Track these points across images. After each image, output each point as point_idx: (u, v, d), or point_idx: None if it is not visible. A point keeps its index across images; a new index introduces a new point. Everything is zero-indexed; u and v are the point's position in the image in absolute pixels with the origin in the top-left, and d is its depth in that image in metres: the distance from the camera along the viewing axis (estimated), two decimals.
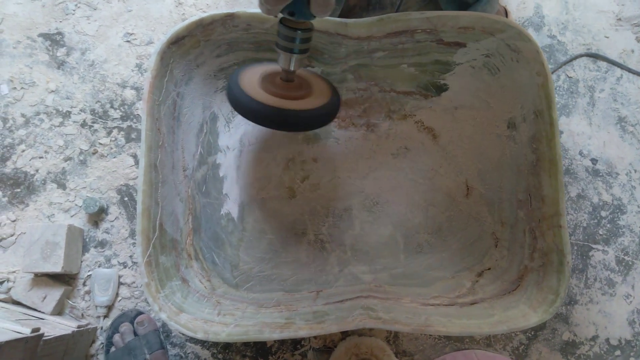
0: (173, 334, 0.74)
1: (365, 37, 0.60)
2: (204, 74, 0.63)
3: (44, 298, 0.72)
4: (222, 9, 0.87)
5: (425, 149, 0.71)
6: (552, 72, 0.86)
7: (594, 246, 0.80)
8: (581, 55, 0.86)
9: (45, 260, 0.71)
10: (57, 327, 0.67)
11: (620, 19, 0.88)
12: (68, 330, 0.66)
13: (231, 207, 0.68)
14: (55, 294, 0.73)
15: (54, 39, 0.83)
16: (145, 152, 0.54)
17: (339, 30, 0.59)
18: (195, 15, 0.86)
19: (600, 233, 0.81)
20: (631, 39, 0.87)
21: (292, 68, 0.54)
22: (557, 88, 0.86)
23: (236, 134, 0.69)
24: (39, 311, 0.72)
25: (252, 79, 0.59)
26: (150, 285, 0.52)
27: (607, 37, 0.88)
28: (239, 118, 0.69)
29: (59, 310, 0.74)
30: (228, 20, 0.57)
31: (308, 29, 0.50)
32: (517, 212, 0.64)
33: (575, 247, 0.80)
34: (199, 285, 0.59)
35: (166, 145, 0.57)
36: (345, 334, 0.75)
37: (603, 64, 0.87)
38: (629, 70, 0.86)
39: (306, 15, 0.48)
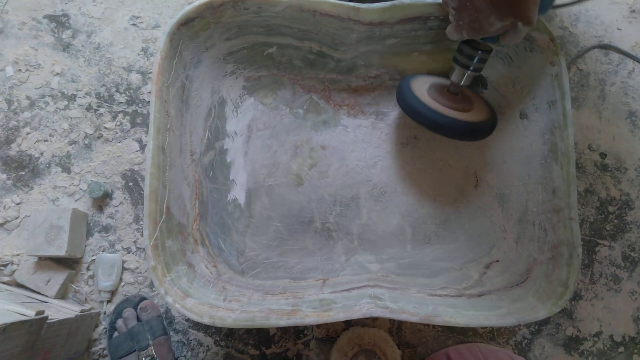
0: (176, 320, 0.74)
1: (377, 23, 0.59)
2: (213, 57, 0.62)
3: (48, 281, 0.72)
4: None
5: (435, 139, 0.70)
6: (567, 66, 0.85)
7: (600, 241, 0.80)
8: (594, 47, 0.85)
9: (50, 244, 0.70)
10: (60, 310, 0.67)
11: (634, 11, 0.87)
12: (71, 314, 0.66)
13: (238, 193, 0.67)
14: (59, 277, 0.72)
15: (59, 21, 0.82)
16: (154, 135, 0.53)
17: (351, 15, 0.58)
18: None
19: (607, 228, 0.80)
20: None
21: (462, 83, 0.59)
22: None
23: (244, 119, 0.68)
24: (43, 294, 0.71)
25: (421, 89, 0.65)
26: (156, 269, 0.52)
27: (620, 30, 0.86)
28: (247, 103, 0.68)
29: (62, 294, 0.73)
30: (239, 2, 0.56)
31: (488, 50, 0.54)
32: (527, 204, 0.63)
33: (582, 243, 0.79)
34: (204, 271, 0.59)
35: (174, 129, 0.56)
36: (348, 324, 0.75)
37: (615, 57, 0.86)
38: None
39: (493, 40, 0.52)
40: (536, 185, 0.61)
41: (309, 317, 0.52)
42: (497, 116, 0.67)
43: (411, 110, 0.65)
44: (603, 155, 0.82)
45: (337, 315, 0.52)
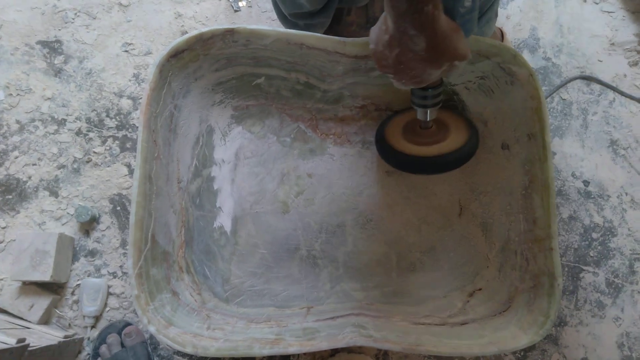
0: (161, 346, 0.73)
1: (363, 56, 0.60)
2: (201, 87, 0.64)
3: (31, 307, 0.71)
4: (222, 21, 0.88)
5: None
6: (548, 95, 0.87)
7: (584, 268, 0.81)
8: (576, 78, 0.88)
9: (34, 269, 0.70)
10: (43, 337, 0.66)
11: (613, 44, 0.90)
12: (54, 341, 0.65)
13: (224, 220, 0.68)
14: (42, 302, 0.72)
15: (52, 47, 0.83)
16: (141, 164, 0.54)
17: (337, 48, 0.59)
18: (194, 28, 0.87)
19: (591, 255, 0.81)
20: (624, 63, 0.89)
21: (428, 119, 0.60)
22: (551, 110, 0.87)
23: (232, 147, 0.69)
24: (25, 320, 0.71)
25: (395, 131, 0.69)
26: (140, 298, 0.52)
27: (601, 61, 0.89)
28: (235, 132, 0.69)
29: (45, 320, 0.73)
30: (228, 35, 0.58)
31: (438, 85, 0.55)
32: (509, 234, 0.64)
33: (566, 269, 0.81)
34: (189, 299, 0.59)
35: (161, 157, 0.57)
36: (334, 351, 0.74)
37: (596, 87, 0.88)
38: (622, 94, 0.87)
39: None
40: (518, 215, 0.62)
41: (292, 346, 0.52)
42: (478, 134, 0.67)
43: (383, 157, 0.69)
44: (586, 183, 0.84)
45: (320, 344, 0.52)
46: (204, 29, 0.56)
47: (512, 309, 0.60)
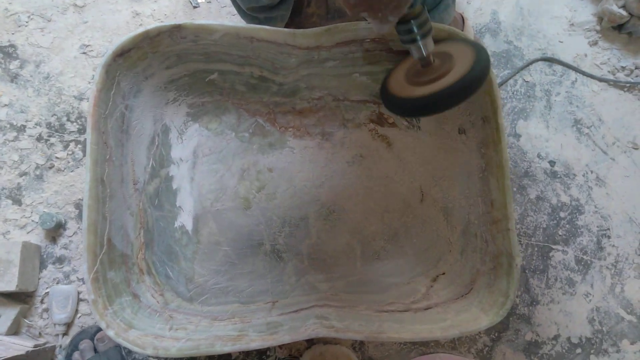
0: None
1: (315, 47, 0.60)
2: (153, 85, 0.63)
3: None
4: (181, 18, 0.87)
5: (380, 157, 0.72)
6: (510, 78, 0.88)
7: (553, 247, 0.82)
8: (538, 60, 0.88)
9: None
10: (10, 347, 0.65)
11: (573, 24, 0.90)
12: (22, 351, 0.65)
13: (185, 219, 0.67)
14: (10, 313, 0.71)
15: (6, 52, 0.82)
16: (91, 167, 0.53)
17: (288, 40, 0.59)
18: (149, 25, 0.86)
19: (560, 234, 0.82)
20: (584, 43, 0.89)
21: (425, 54, 0.54)
22: (515, 92, 0.88)
23: (189, 145, 0.69)
24: None
25: (398, 79, 0.61)
26: (97, 302, 0.51)
27: (562, 42, 0.90)
28: (192, 129, 0.69)
29: (14, 330, 0.72)
30: (175, 31, 0.57)
31: (419, 12, 0.50)
32: (469, 217, 0.64)
33: (536, 248, 0.81)
34: (150, 300, 0.59)
35: (114, 159, 0.56)
36: (310, 342, 0.75)
37: (558, 68, 0.89)
38: (583, 74, 0.88)
39: (415, 2, 0.48)
40: (476, 198, 0.63)
41: (255, 341, 0.52)
42: (485, 54, 0.56)
43: (395, 112, 0.63)
44: (552, 163, 0.85)
45: (283, 337, 0.53)
46: (150, 27, 0.56)
47: (474, 291, 0.60)
